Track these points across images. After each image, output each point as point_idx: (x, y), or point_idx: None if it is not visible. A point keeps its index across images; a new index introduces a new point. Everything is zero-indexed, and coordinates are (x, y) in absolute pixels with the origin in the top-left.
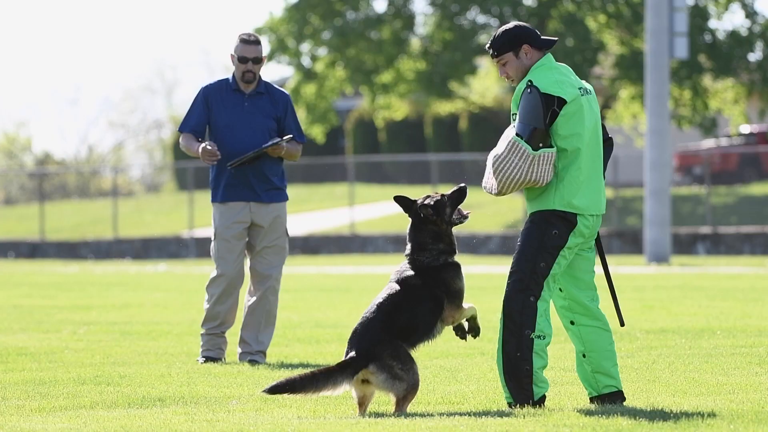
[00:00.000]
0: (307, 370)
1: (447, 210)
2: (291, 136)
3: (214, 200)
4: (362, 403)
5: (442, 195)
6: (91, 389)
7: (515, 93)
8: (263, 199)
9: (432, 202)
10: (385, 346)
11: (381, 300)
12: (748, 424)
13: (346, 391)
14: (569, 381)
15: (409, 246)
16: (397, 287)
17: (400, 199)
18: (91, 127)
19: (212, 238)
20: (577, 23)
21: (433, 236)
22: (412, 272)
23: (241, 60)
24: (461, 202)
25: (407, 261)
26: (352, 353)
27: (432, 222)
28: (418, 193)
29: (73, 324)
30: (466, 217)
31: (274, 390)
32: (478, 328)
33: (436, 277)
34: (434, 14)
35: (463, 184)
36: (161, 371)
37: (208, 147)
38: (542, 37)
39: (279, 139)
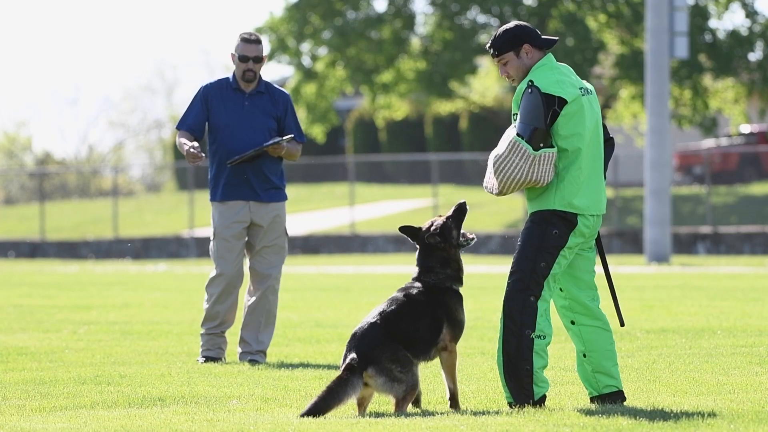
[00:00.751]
0: (322, 389)
1: (453, 233)
2: (292, 135)
3: (213, 199)
4: (362, 404)
5: (447, 218)
6: (92, 389)
7: (516, 93)
8: (263, 198)
9: (438, 229)
10: (383, 349)
11: (382, 307)
12: (749, 423)
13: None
14: (570, 381)
15: (416, 270)
16: (401, 298)
17: (406, 230)
18: (91, 127)
19: (211, 238)
20: (577, 23)
21: (441, 261)
22: (417, 289)
23: (241, 59)
24: (463, 218)
25: (414, 279)
26: (353, 355)
27: (440, 248)
28: (418, 193)
29: (73, 324)
30: (472, 239)
31: (309, 414)
32: (456, 398)
33: (439, 298)
34: (434, 14)
35: (462, 201)
36: (161, 371)
37: (192, 150)
38: (543, 36)
39: (279, 139)
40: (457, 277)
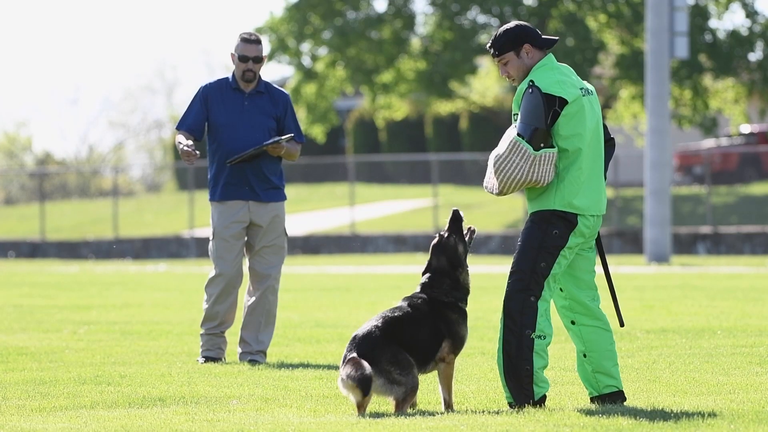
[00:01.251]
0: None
1: (459, 248)
2: (291, 135)
3: (212, 199)
4: (361, 405)
5: (449, 236)
6: (92, 389)
7: (517, 93)
8: (262, 198)
9: (449, 258)
10: (383, 351)
11: (385, 313)
12: (749, 424)
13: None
14: (570, 381)
15: (424, 278)
16: (405, 307)
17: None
18: (91, 127)
19: (210, 238)
20: (577, 23)
21: (451, 285)
22: (422, 299)
23: (241, 59)
24: (461, 224)
25: (419, 290)
26: (353, 354)
27: (455, 270)
28: (418, 193)
29: (74, 324)
30: (473, 231)
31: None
32: (450, 408)
33: (443, 311)
34: (434, 14)
35: (454, 209)
36: (161, 371)
37: (186, 148)
38: (543, 36)
39: (279, 138)
40: (463, 298)
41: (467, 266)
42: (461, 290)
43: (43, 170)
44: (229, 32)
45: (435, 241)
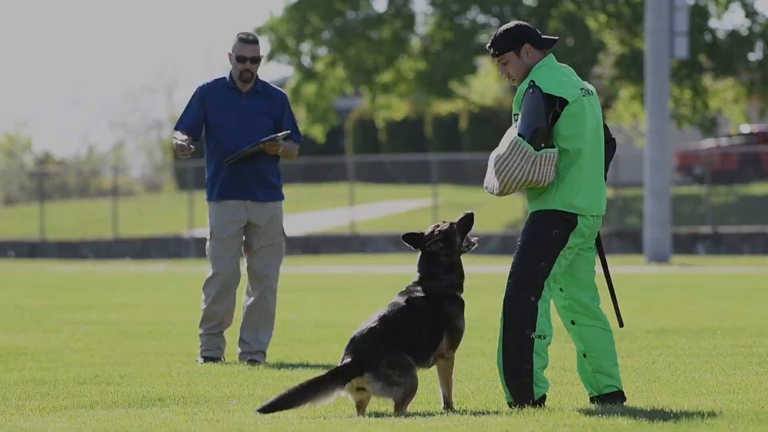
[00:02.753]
0: (297, 383)
1: (457, 239)
2: (288, 131)
3: (209, 198)
4: (360, 406)
5: (451, 223)
6: (91, 389)
7: (517, 93)
8: (260, 198)
9: (441, 236)
10: (382, 354)
11: (383, 312)
12: (748, 424)
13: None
14: (570, 381)
15: (417, 275)
16: (403, 304)
17: (408, 238)
18: (91, 127)
19: (208, 237)
20: (577, 23)
21: (444, 267)
22: (418, 294)
23: (239, 59)
24: (470, 229)
25: (415, 284)
26: (347, 360)
27: (443, 254)
28: (418, 193)
29: (73, 324)
30: (474, 244)
31: (268, 409)
32: (450, 405)
33: (441, 305)
34: (434, 14)
35: (470, 211)
36: (161, 371)
37: (180, 143)
38: (543, 36)
39: (275, 135)
40: (459, 283)
41: (461, 255)
42: (458, 278)
43: (43, 170)
44: (229, 32)
45: (445, 227)
